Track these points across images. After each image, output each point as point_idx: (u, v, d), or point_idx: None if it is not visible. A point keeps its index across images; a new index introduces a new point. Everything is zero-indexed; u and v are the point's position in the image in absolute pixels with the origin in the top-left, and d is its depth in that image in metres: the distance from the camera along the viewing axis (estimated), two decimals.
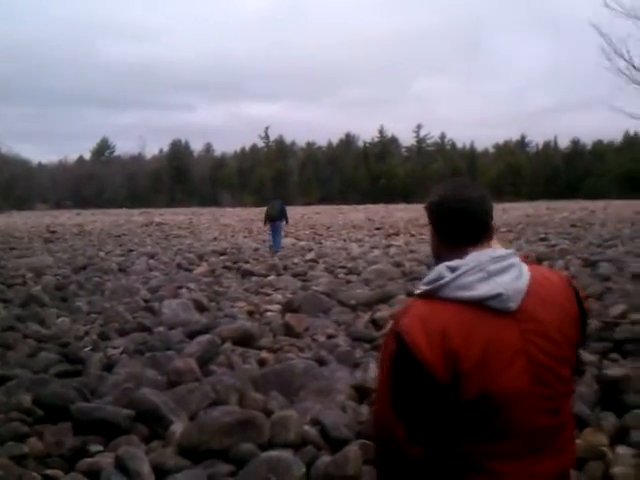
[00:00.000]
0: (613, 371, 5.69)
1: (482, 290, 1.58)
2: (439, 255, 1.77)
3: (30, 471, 4.34)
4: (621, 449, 4.45)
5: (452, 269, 1.62)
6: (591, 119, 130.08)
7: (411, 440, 1.58)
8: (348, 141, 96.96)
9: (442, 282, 1.61)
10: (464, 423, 1.59)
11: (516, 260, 1.67)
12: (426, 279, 1.67)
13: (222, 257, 17.27)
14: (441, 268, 1.65)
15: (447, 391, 1.55)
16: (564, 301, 1.71)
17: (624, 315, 8.07)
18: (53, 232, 29.52)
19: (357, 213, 46.37)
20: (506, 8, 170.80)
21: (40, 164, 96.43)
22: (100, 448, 4.69)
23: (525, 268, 1.68)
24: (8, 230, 31.73)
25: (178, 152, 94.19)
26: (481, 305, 1.58)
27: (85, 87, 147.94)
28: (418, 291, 1.68)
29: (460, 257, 1.66)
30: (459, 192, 1.71)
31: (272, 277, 13.27)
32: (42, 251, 20.28)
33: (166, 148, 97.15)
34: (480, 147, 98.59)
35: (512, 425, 1.59)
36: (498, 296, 1.57)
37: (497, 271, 1.61)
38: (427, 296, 1.64)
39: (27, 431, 4.91)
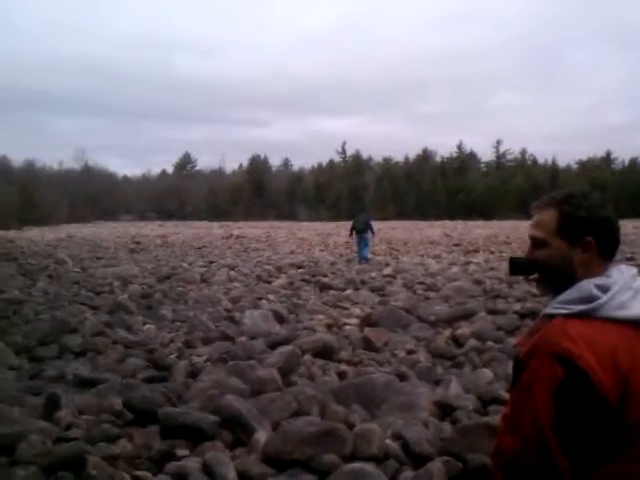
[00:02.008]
0: None
1: (636, 309, 1.56)
2: (571, 269, 1.67)
3: (121, 471, 4.50)
4: None
5: (601, 288, 1.58)
6: None
7: (576, 473, 1.51)
8: (425, 156, 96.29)
9: (601, 302, 1.56)
10: (623, 444, 1.53)
11: None
12: (569, 298, 1.61)
13: (300, 270, 17.45)
14: (588, 287, 1.59)
15: (615, 414, 1.50)
16: None
17: None
18: (138, 243, 30.56)
19: (434, 229, 45.91)
20: (584, 20, 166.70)
21: (125, 177, 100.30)
22: (187, 452, 4.80)
23: None
24: (95, 240, 33.05)
25: (257, 167, 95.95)
26: (635, 324, 1.56)
27: (165, 102, 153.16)
28: (564, 311, 1.60)
29: (600, 272, 1.63)
30: (606, 204, 1.71)
31: (350, 291, 13.31)
32: (128, 261, 21.04)
33: (245, 163, 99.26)
34: (562, 163, 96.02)
35: None
36: None
37: (639, 288, 1.61)
38: (582, 316, 1.57)
39: (118, 433, 5.09)
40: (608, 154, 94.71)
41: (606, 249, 1.67)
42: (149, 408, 5.48)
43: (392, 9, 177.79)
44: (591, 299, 1.57)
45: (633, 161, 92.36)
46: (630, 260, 19.77)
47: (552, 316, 1.63)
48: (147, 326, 9.66)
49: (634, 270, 1.66)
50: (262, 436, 4.90)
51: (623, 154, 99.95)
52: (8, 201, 45.22)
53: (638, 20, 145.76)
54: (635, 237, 32.66)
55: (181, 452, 4.82)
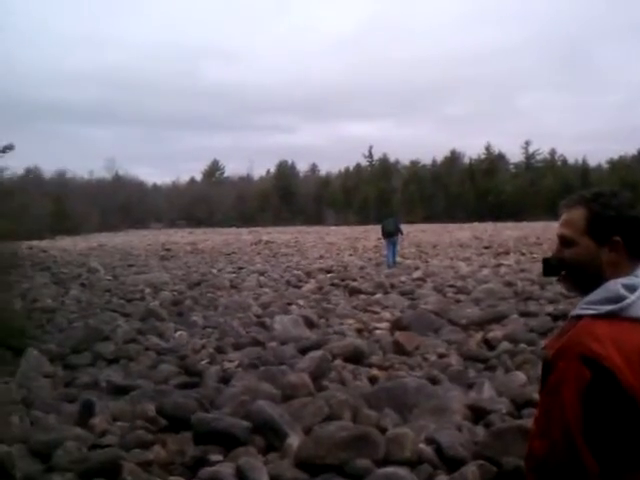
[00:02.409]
0: None
1: None
2: (599, 268, 1.64)
3: (155, 477, 4.53)
4: None
5: (630, 287, 1.56)
6: None
7: (606, 475, 1.48)
8: (453, 158, 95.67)
9: (629, 301, 1.54)
10: None
11: None
12: (596, 298, 1.59)
13: (329, 275, 17.45)
14: (615, 287, 1.57)
15: None
16: None
17: None
18: (168, 250, 30.83)
19: (464, 231, 45.55)
20: (612, 17, 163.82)
21: (155, 185, 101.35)
22: (220, 458, 4.83)
23: None
24: (126, 248, 33.43)
25: (284, 173, 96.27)
26: None
27: (191, 110, 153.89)
28: (592, 312, 1.58)
29: (628, 272, 1.60)
30: (635, 204, 1.66)
31: (379, 295, 13.26)
32: (158, 268, 21.24)
33: (273, 169, 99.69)
34: (592, 162, 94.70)
35: None
36: None
37: None
38: (609, 317, 1.55)
39: (152, 439, 5.14)
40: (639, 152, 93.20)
41: (635, 249, 1.63)
42: (182, 414, 5.53)
43: (416, 9, 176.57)
44: (618, 299, 1.55)
45: None
46: None
47: (580, 317, 1.61)
48: (178, 333, 9.73)
49: None
50: (294, 441, 4.91)
51: None
52: (41, 212, 46.00)
53: None
54: None
55: (214, 457, 4.85)
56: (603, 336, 1.51)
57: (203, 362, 7.75)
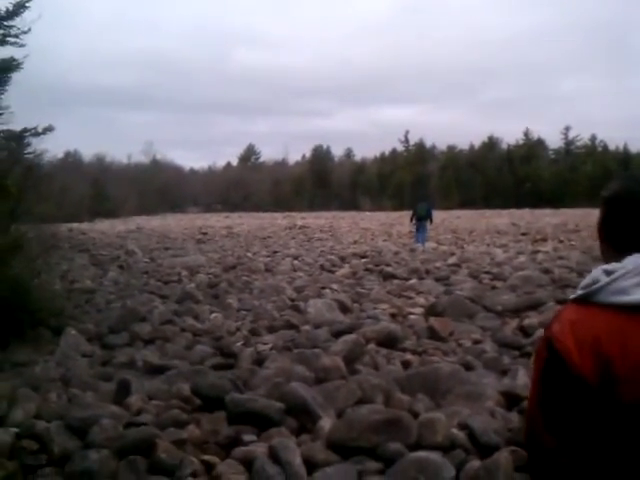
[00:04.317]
0: None
1: (637, 295, 1.50)
2: (604, 255, 1.69)
3: (189, 455, 4.60)
4: None
5: (608, 272, 1.55)
6: None
7: (560, 448, 1.53)
8: (491, 144, 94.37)
9: (596, 286, 1.54)
10: (621, 428, 1.50)
11: None
12: (582, 283, 1.61)
13: (363, 260, 17.41)
14: (597, 272, 1.58)
15: (602, 398, 1.48)
16: None
17: None
18: (204, 234, 31.11)
19: (501, 218, 45.03)
20: None
21: (192, 169, 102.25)
22: (253, 438, 4.87)
23: None
24: (163, 231, 33.85)
25: (320, 158, 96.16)
26: (635, 310, 1.49)
27: (227, 95, 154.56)
28: (573, 296, 1.62)
29: (618, 260, 1.57)
30: (636, 192, 1.57)
31: (414, 280, 13.20)
32: (195, 251, 21.45)
33: (308, 154, 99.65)
34: (634, 149, 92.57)
35: None
36: None
37: None
38: (581, 301, 1.57)
39: (186, 418, 5.20)
40: None
41: (613, 238, 1.64)
42: (216, 394, 5.59)
43: None
44: (594, 284, 1.56)
45: None
46: None
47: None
48: (214, 315, 9.82)
49: None
50: (327, 423, 4.93)
51: None
52: (80, 194, 46.87)
53: None
54: None
55: (248, 438, 4.90)
56: (565, 319, 1.56)
57: (238, 344, 7.81)
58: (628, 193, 1.59)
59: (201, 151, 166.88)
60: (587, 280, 1.59)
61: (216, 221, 47.79)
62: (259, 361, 6.98)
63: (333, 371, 6.15)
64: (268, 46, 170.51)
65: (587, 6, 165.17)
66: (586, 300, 1.56)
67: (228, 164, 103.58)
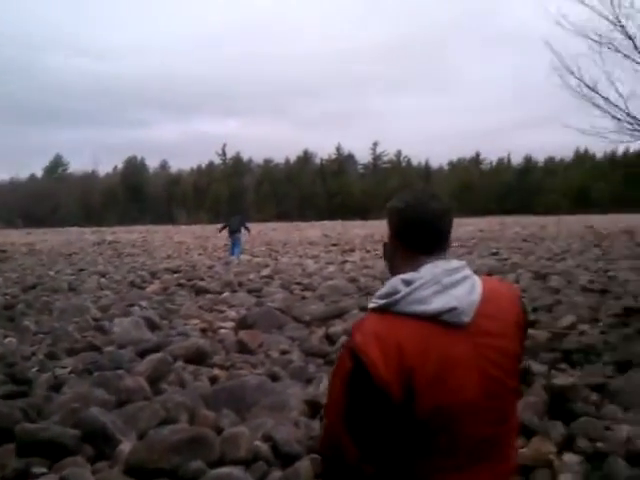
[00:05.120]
0: (561, 380, 5.79)
1: (437, 304, 1.56)
2: (392, 261, 1.75)
3: None
4: (568, 457, 4.54)
5: (407, 282, 1.60)
6: (545, 136, 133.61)
7: (364, 460, 1.54)
8: (306, 158, 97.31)
9: (397, 297, 1.57)
10: (416, 440, 1.56)
11: (469, 272, 1.67)
12: (380, 293, 1.64)
13: (176, 275, 17.06)
14: (395, 282, 1.62)
15: (401, 409, 1.51)
16: (512, 313, 1.73)
17: (573, 326, 8.27)
18: (3, 251, 28.75)
19: (314, 230, 46.43)
20: (461, 26, 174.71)
21: None
22: (44, 470, 4.54)
23: (478, 280, 1.67)
24: None
25: (133, 169, 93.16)
26: (435, 319, 1.56)
27: (34, 103, 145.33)
28: (372, 305, 1.64)
29: (414, 267, 1.64)
30: (424, 202, 1.69)
31: (227, 294, 13.16)
32: None
33: (120, 165, 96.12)
34: (435, 164, 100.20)
35: (463, 438, 1.59)
36: (453, 310, 1.56)
37: (451, 284, 1.60)
38: (382, 311, 1.60)
39: None
40: (477, 155, 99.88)
41: (406, 239, 1.70)
42: (5, 425, 5.15)
43: (278, 13, 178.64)
44: (394, 293, 1.60)
45: (500, 161, 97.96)
46: (495, 255, 20.92)
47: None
48: (8, 339, 9.07)
49: (456, 264, 1.67)
50: (126, 447, 4.73)
51: (495, 155, 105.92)
52: None
53: (515, 26, 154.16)
54: (500, 233, 34.60)
55: (38, 470, 4.56)
56: (368, 329, 1.57)
57: (33, 370, 7.27)
58: (418, 201, 1.69)
59: (3, 163, 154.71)
60: (386, 289, 1.62)
61: (17, 237, 44.41)
62: (56, 387, 6.52)
63: (136, 392, 5.93)
64: (82, 54, 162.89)
65: (396, 27, 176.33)
66: (387, 310, 1.59)
67: (32, 176, 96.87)
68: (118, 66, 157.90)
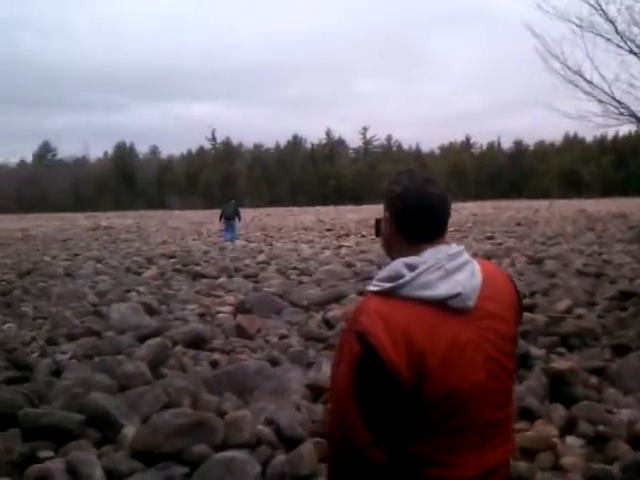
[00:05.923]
0: (560, 364, 5.85)
1: (442, 289, 1.57)
2: (391, 246, 1.75)
3: None
4: (570, 439, 4.60)
5: (410, 267, 1.59)
6: (533, 119, 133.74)
7: (375, 443, 1.55)
8: (296, 142, 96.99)
9: (402, 281, 1.57)
10: (426, 422, 1.58)
11: (468, 257, 1.68)
12: (382, 276, 1.63)
13: (172, 260, 17.06)
14: (398, 265, 1.61)
15: (412, 391, 1.52)
16: (509, 297, 1.75)
17: (569, 310, 8.33)
18: None
19: (308, 215, 46.43)
20: (445, 9, 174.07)
21: None
22: (50, 454, 4.58)
23: (477, 265, 1.68)
24: None
25: (123, 155, 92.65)
26: (440, 304, 1.57)
27: (14, 86, 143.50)
28: (374, 288, 1.63)
29: (415, 251, 1.64)
30: (424, 188, 1.67)
31: (223, 279, 13.18)
32: None
33: (111, 151, 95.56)
34: (425, 148, 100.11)
35: (470, 420, 1.61)
36: (458, 295, 1.57)
37: (454, 269, 1.61)
38: (385, 294, 1.59)
39: None
40: (467, 139, 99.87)
41: (406, 229, 1.69)
42: (8, 411, 5.16)
43: None
44: (397, 277, 1.59)
45: (490, 145, 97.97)
46: (490, 239, 20.99)
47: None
48: (7, 325, 9.07)
49: (456, 249, 1.67)
50: (130, 431, 4.75)
51: (484, 139, 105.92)
52: None
53: (499, 10, 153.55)
54: (494, 217, 34.69)
55: (44, 454, 4.59)
56: (374, 313, 1.56)
57: (34, 355, 7.29)
58: (416, 186, 1.68)
59: None
60: (388, 273, 1.62)
61: (9, 223, 44.23)
62: (57, 372, 6.54)
63: (137, 377, 5.95)
64: (61, 36, 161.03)
65: (388, 14, 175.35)
66: (390, 294, 1.58)
67: (22, 162, 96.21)
68: (87, 48, 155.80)
